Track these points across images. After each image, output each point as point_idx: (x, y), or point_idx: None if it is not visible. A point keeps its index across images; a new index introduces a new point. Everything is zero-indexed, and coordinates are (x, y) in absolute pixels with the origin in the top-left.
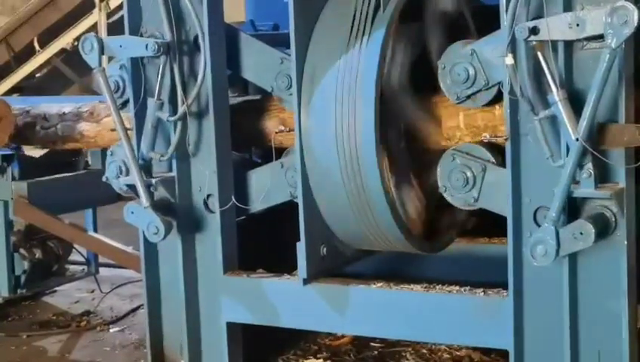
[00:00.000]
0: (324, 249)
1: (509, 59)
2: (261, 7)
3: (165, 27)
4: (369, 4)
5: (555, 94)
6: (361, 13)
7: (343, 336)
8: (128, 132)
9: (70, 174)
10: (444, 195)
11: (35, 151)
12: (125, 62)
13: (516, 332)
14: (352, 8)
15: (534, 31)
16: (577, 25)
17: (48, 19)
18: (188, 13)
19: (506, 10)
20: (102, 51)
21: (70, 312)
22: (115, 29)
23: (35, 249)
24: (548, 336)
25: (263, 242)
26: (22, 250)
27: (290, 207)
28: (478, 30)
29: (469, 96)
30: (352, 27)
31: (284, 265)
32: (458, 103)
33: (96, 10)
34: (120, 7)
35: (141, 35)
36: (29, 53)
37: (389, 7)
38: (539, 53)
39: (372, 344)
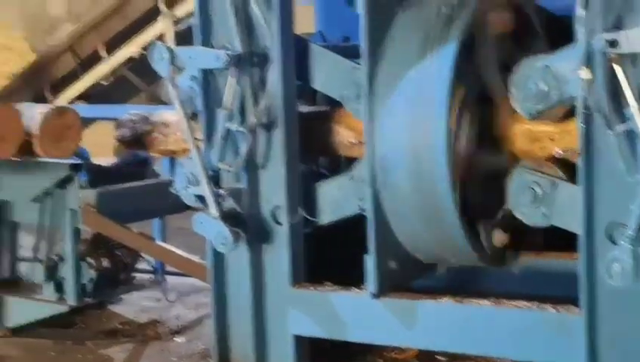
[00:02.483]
0: (393, 263)
1: (585, 73)
2: (331, 19)
3: (236, 39)
4: (442, 16)
5: (632, 108)
6: (433, 25)
7: (408, 350)
8: (198, 143)
9: (138, 183)
10: (514, 212)
11: (104, 160)
12: (195, 73)
13: (589, 351)
14: (424, 20)
15: (613, 43)
16: None
17: (114, 26)
18: (259, 24)
19: (581, 22)
20: (172, 61)
21: (136, 321)
22: (181, 37)
23: (103, 257)
24: (624, 356)
25: (330, 254)
26: (89, 259)
27: (358, 219)
28: (550, 43)
29: (541, 112)
30: (424, 39)
31: (351, 277)
32: (531, 119)
33: (162, 19)
34: (187, 15)
35: (211, 46)
36: (95, 60)
37: (462, 19)
38: (616, 66)
39: (437, 357)
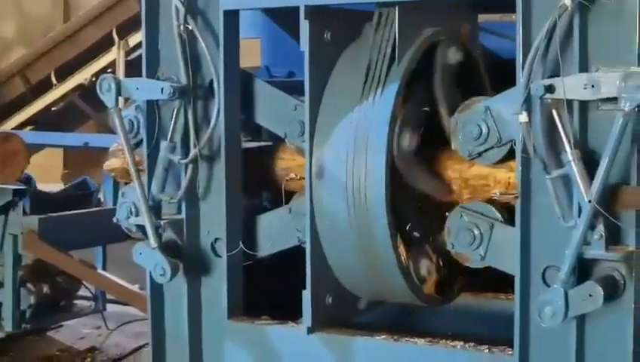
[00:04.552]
0: (330, 298)
1: (524, 117)
2: (276, 54)
3: (181, 71)
4: (384, 56)
5: (569, 154)
6: (375, 65)
7: None
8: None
9: (82, 211)
10: (452, 253)
11: (49, 187)
12: (140, 104)
13: None
14: (367, 59)
15: (550, 89)
16: (592, 86)
17: (66, 53)
18: (204, 57)
19: (522, 67)
20: (119, 92)
21: (75, 348)
22: (133, 66)
23: (43, 284)
24: None
25: (269, 288)
26: (29, 285)
27: (297, 252)
28: (493, 85)
29: (480, 153)
30: (366, 78)
31: (289, 311)
32: (470, 160)
33: (114, 48)
34: (139, 45)
35: (158, 78)
36: (45, 86)
37: (404, 60)
38: (554, 112)
39: None
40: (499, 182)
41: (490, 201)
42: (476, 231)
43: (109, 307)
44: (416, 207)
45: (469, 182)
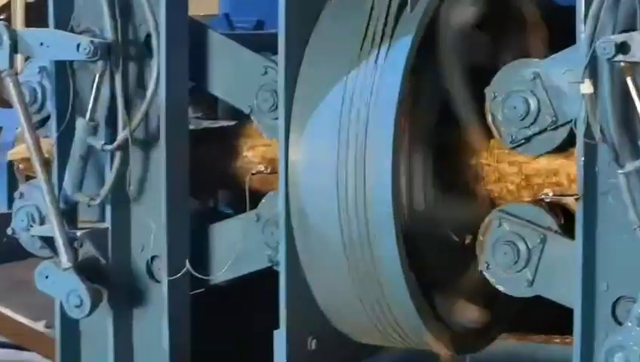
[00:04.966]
0: (313, 341)
1: (587, 87)
2: None
3: (106, 21)
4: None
5: None
6: (379, 12)
7: None
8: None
9: None
10: (487, 276)
11: None
12: (47, 65)
13: None
14: (367, 3)
15: (623, 48)
16: None
17: None
18: (138, 2)
19: (585, 18)
20: (14, 48)
21: None
22: (36, 12)
23: None
24: None
25: (227, 326)
26: None
27: (269, 274)
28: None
29: (529, 138)
30: (366, 30)
31: (256, 358)
32: (513, 147)
33: None
34: None
35: (72, 30)
36: None
37: (420, 4)
38: (629, 80)
39: None
40: (574, 180)
41: (541, 204)
42: (522, 246)
43: None
44: (438, 215)
45: (532, 181)
